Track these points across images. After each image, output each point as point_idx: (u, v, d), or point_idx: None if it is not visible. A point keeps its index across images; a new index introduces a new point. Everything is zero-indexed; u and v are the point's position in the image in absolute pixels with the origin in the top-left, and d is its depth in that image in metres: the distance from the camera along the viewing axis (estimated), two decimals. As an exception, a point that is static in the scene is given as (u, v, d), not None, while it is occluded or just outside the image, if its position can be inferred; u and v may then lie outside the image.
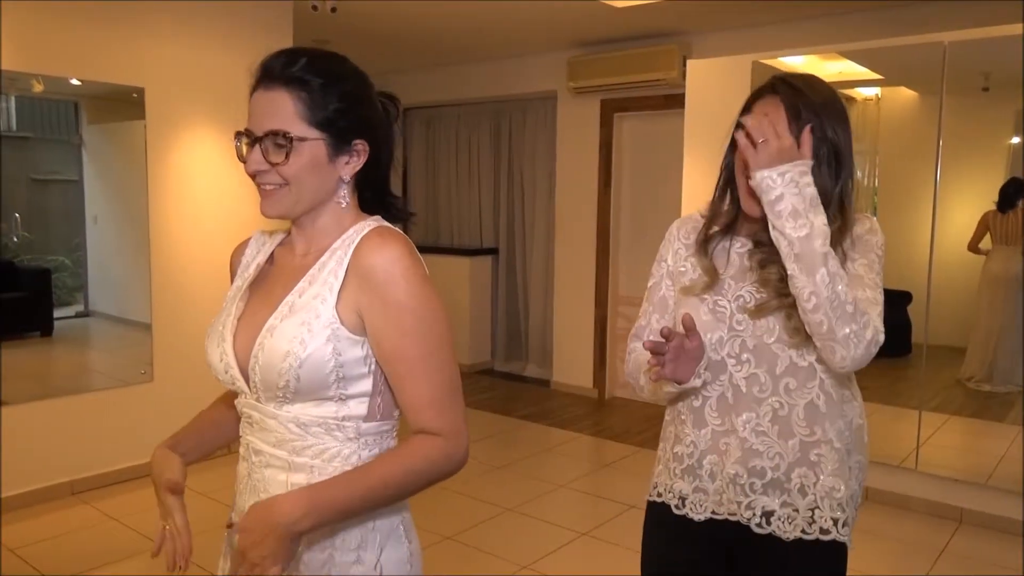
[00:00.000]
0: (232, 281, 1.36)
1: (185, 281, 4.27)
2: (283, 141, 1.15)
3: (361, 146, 1.21)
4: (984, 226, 4.23)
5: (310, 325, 1.14)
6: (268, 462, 1.21)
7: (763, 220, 1.39)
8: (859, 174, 4.89)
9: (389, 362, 1.16)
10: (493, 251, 6.92)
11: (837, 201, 1.41)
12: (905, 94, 4.67)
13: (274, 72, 1.16)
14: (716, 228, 1.54)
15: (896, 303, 4.45)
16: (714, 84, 4.32)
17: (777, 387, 1.43)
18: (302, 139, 1.15)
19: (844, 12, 4.44)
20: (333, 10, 4.28)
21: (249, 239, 1.39)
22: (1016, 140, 4.30)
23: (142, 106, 4.05)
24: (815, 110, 1.39)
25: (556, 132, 6.10)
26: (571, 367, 6.13)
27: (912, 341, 4.17)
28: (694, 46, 5.16)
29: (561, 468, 4.56)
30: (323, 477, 1.17)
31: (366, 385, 1.18)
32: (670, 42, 5.16)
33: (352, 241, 1.18)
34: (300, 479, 1.18)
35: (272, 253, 1.33)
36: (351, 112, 1.19)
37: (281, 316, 1.17)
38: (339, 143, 1.19)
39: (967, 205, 4.30)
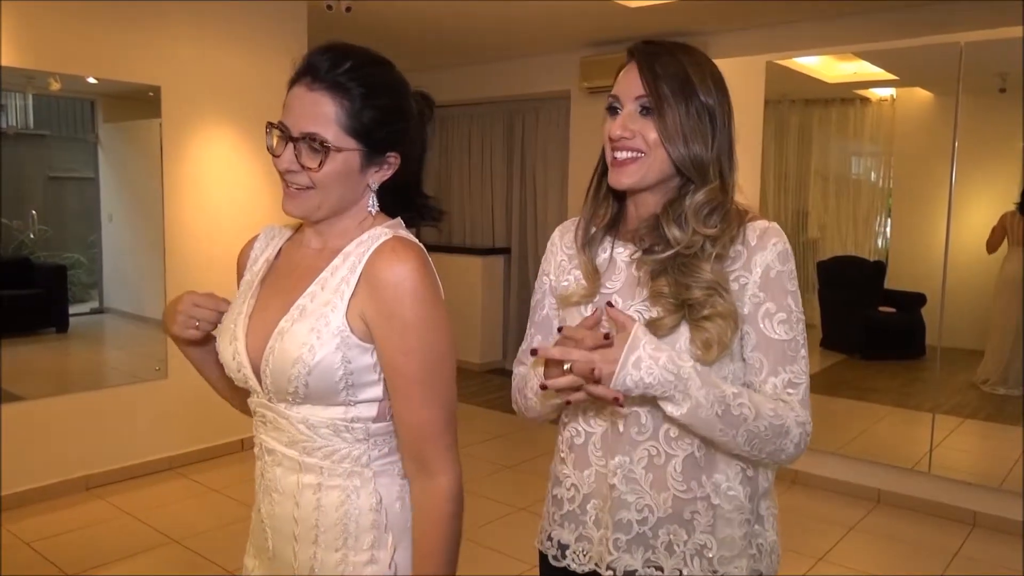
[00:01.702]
0: (239, 277, 1.36)
1: (199, 279, 4.30)
2: (319, 147, 1.14)
3: (393, 158, 1.21)
4: (1002, 228, 4.19)
5: (320, 332, 1.13)
6: (279, 461, 1.22)
7: (647, 215, 1.28)
8: (873, 175, 4.87)
9: (390, 376, 1.16)
10: (505, 251, 6.92)
11: (715, 167, 1.23)
12: (920, 95, 4.64)
13: (319, 71, 1.14)
14: (596, 228, 1.35)
15: (910, 305, 4.42)
16: (728, 84, 4.30)
17: (657, 431, 1.23)
18: (338, 149, 1.14)
19: (859, 12, 4.42)
20: (348, 10, 4.30)
21: (256, 236, 1.38)
22: (1033, 141, 4.26)
23: (158, 105, 4.08)
24: (676, 70, 1.22)
25: (569, 132, 6.09)
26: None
27: (926, 343, 4.15)
28: (708, 46, 5.14)
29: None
30: (333, 478, 1.18)
31: (376, 391, 1.18)
32: (684, 42, 5.14)
33: (367, 248, 1.17)
34: (310, 480, 1.19)
35: (280, 248, 1.32)
36: (388, 125, 1.18)
37: (292, 320, 1.16)
38: (373, 154, 1.18)
39: (983, 207, 4.27)
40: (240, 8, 4.38)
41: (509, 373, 6.81)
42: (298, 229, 1.33)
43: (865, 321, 4.77)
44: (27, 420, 3.74)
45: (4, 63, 3.53)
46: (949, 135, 3.83)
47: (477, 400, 5.81)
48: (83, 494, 3.89)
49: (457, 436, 1.20)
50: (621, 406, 1.16)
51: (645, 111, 1.23)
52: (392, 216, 1.26)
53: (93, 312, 4.49)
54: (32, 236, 4.07)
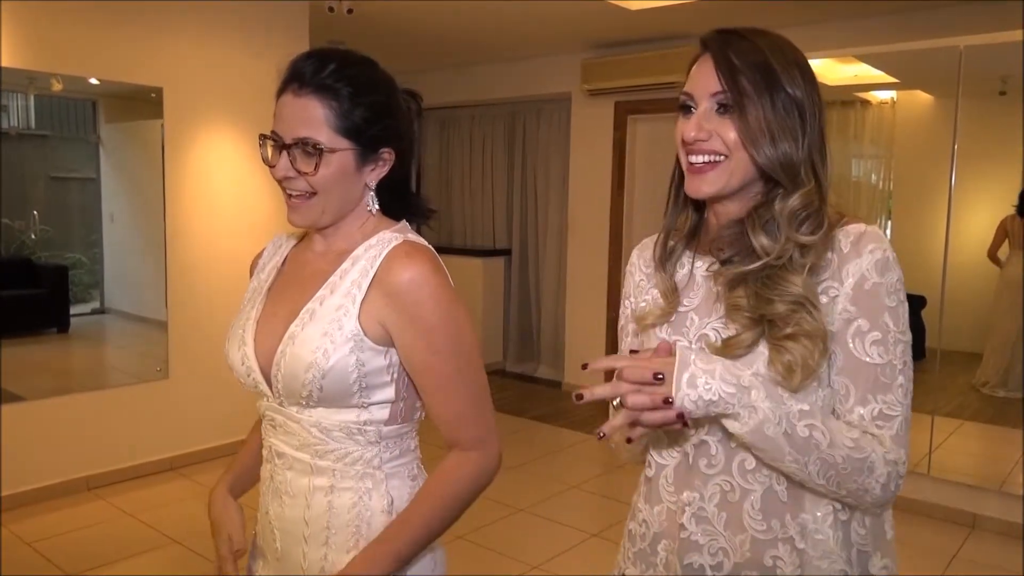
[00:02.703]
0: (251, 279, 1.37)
1: (201, 279, 4.31)
2: (312, 151, 1.15)
3: (388, 154, 1.22)
4: (1003, 232, 4.20)
5: (333, 336, 1.14)
6: (291, 464, 1.22)
7: (727, 222, 1.15)
8: (874, 177, 4.88)
9: (419, 376, 1.18)
10: (506, 252, 6.93)
11: (808, 168, 1.08)
12: (921, 98, 4.65)
13: (304, 77, 1.15)
14: (675, 240, 1.22)
15: (910, 307, 4.43)
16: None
17: (730, 463, 1.09)
18: (332, 150, 1.15)
19: (860, 16, 4.43)
20: (349, 11, 4.31)
21: (265, 247, 1.40)
22: (1033, 145, 4.27)
23: (160, 105, 4.09)
24: (757, 60, 1.07)
25: (570, 134, 6.10)
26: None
27: (926, 346, 4.15)
28: (709, 48, 5.14)
29: (573, 469, 4.56)
30: (345, 480, 1.19)
31: (389, 393, 1.19)
32: (685, 45, 5.15)
33: (378, 253, 1.18)
34: (322, 482, 1.20)
35: (287, 255, 1.33)
36: (379, 121, 1.19)
37: (302, 324, 1.17)
38: (367, 152, 1.19)
39: (983, 210, 4.28)
40: (242, 10, 4.39)
41: (509, 374, 6.82)
42: (303, 237, 1.34)
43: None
44: (28, 420, 3.74)
45: (5, 64, 3.55)
46: (949, 138, 3.83)
47: (477, 401, 5.81)
48: (84, 494, 3.90)
49: (495, 423, 1.24)
50: (686, 425, 1.00)
51: (723, 109, 1.08)
52: (390, 215, 1.27)
53: (94, 312, 4.50)
54: (34, 236, 4.08)
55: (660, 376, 0.98)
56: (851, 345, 1.05)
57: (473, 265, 6.72)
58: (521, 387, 6.41)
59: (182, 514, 3.69)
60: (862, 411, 1.05)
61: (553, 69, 6.03)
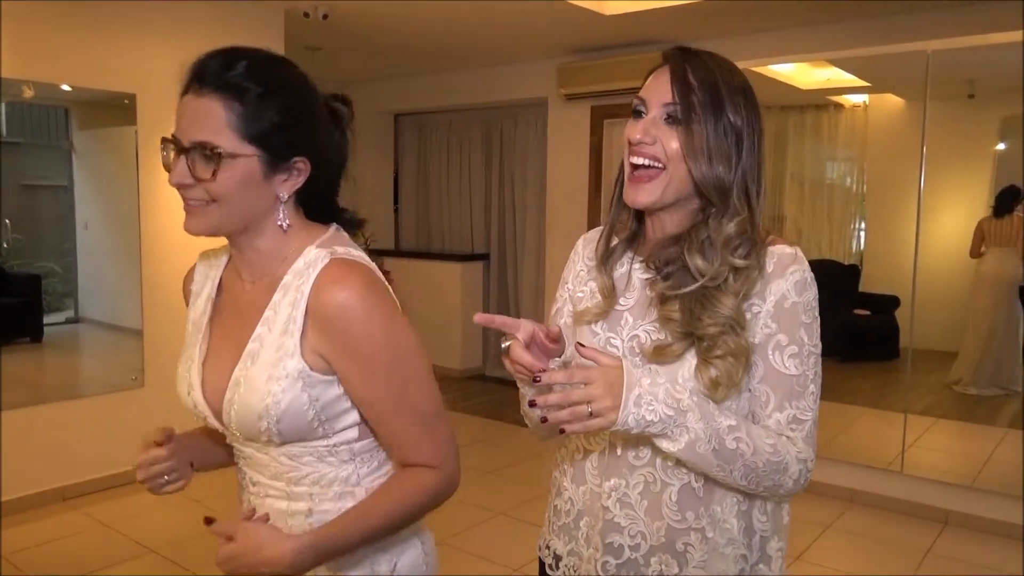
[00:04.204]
0: (187, 307, 1.30)
1: (176, 287, 4.22)
2: (211, 155, 1.04)
3: (302, 164, 1.11)
4: (980, 234, 4.27)
5: (279, 379, 1.08)
6: (267, 492, 1.19)
7: (664, 238, 1.22)
8: (848, 180, 4.95)
9: (361, 405, 1.12)
10: (484, 257, 6.93)
11: (741, 193, 1.15)
12: (892, 101, 4.72)
13: (208, 75, 1.05)
14: (617, 240, 1.29)
15: (885, 308, 4.49)
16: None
17: (655, 458, 1.18)
18: (233, 155, 1.05)
19: (833, 21, 4.48)
20: (325, 16, 4.31)
21: (194, 267, 1.31)
22: (1001, 146, 4.35)
23: (133, 112, 4.05)
24: (710, 82, 1.14)
25: (547, 138, 6.12)
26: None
27: (900, 345, 4.21)
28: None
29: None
30: (324, 503, 1.15)
31: (353, 416, 1.14)
32: (660, 49, 5.15)
33: (307, 277, 1.09)
34: (301, 507, 1.16)
35: (220, 281, 1.25)
36: (291, 127, 1.08)
37: (245, 368, 1.11)
38: (276, 160, 1.09)
39: (953, 211, 4.34)
40: (216, 14, 4.36)
41: (489, 379, 6.80)
42: (231, 256, 1.25)
43: (841, 324, 4.84)
44: (2, 431, 3.69)
45: (-23, 71, 3.50)
46: (919, 141, 3.89)
47: (457, 406, 5.81)
48: (59, 505, 3.85)
49: (452, 438, 1.19)
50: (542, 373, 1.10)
51: (671, 120, 1.16)
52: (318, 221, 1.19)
53: (68, 322, 4.45)
54: (6, 245, 4.02)
55: (591, 403, 1.04)
56: (771, 358, 1.15)
57: (452, 270, 6.72)
58: (500, 391, 6.41)
59: (158, 524, 3.66)
60: (779, 416, 1.16)
61: (529, 74, 6.05)
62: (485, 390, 6.47)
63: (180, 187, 1.08)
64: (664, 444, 1.09)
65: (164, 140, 1.10)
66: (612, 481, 1.22)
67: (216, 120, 1.04)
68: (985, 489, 3.75)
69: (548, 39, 5.32)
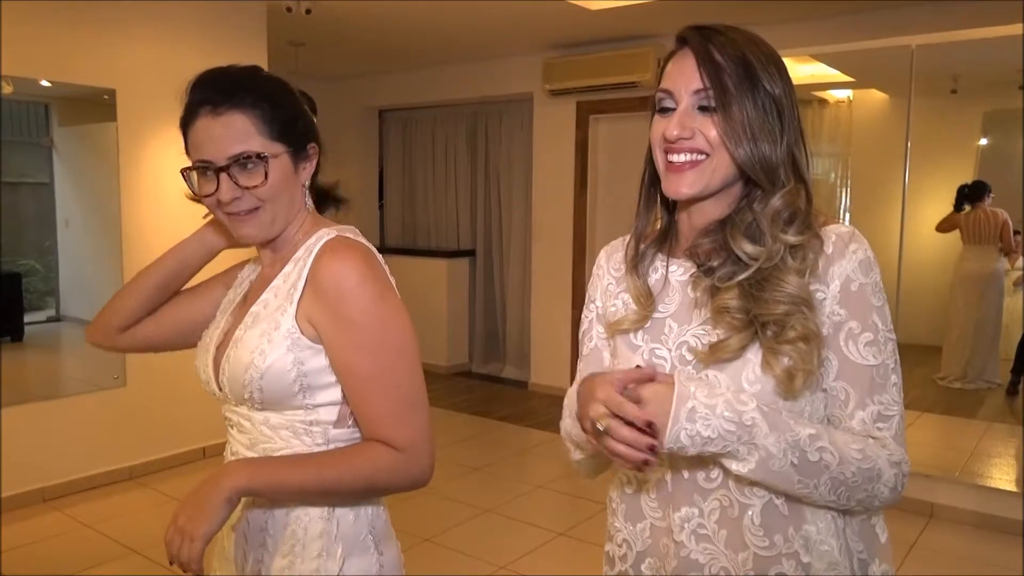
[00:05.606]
0: (225, 286, 1.39)
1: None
2: (256, 161, 1.13)
3: (313, 149, 1.22)
4: (955, 222, 4.30)
5: (270, 335, 1.13)
6: None
7: (704, 227, 1.10)
8: (833, 175, 4.96)
9: (342, 376, 1.14)
10: (470, 253, 6.91)
11: (788, 167, 1.05)
12: (876, 96, 4.74)
13: (215, 97, 1.14)
14: (645, 244, 1.18)
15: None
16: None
17: (728, 476, 1.03)
18: (274, 155, 1.15)
19: (817, 16, 4.50)
20: (308, 12, 4.27)
21: (247, 261, 1.39)
22: (984, 141, 4.38)
23: (114, 108, 4.01)
24: (737, 57, 1.04)
25: (532, 134, 6.11)
26: (549, 368, 6.14)
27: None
28: (667, 50, 5.19)
29: (539, 469, 4.57)
30: None
31: (334, 394, 1.16)
32: (645, 44, 5.19)
33: (312, 250, 1.17)
34: None
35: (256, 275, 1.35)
36: (300, 118, 1.20)
37: (246, 327, 1.18)
38: (298, 151, 1.19)
39: (937, 205, 4.37)
40: (199, 11, 4.32)
41: (475, 375, 6.80)
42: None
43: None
44: (2, 430, 3.65)
45: (-47, 66, 3.45)
46: (903, 136, 3.91)
47: (444, 403, 5.79)
48: (40, 506, 3.81)
49: (428, 430, 1.15)
50: (648, 464, 0.93)
51: (704, 107, 1.04)
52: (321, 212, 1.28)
53: (50, 320, 4.40)
54: (-15, 243, 3.97)
55: (651, 425, 0.93)
56: (845, 348, 1.03)
57: (438, 266, 6.70)
58: (487, 388, 6.41)
59: (141, 524, 3.63)
60: (862, 414, 1.03)
61: (515, 69, 6.03)
62: (472, 387, 6.46)
63: (231, 203, 1.14)
64: (733, 466, 0.97)
65: (187, 169, 1.16)
66: (683, 511, 1.05)
67: (245, 131, 1.13)
68: (969, 482, 3.78)
69: (533, 34, 5.31)
